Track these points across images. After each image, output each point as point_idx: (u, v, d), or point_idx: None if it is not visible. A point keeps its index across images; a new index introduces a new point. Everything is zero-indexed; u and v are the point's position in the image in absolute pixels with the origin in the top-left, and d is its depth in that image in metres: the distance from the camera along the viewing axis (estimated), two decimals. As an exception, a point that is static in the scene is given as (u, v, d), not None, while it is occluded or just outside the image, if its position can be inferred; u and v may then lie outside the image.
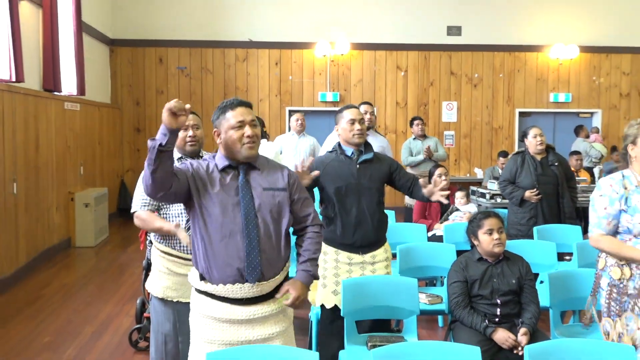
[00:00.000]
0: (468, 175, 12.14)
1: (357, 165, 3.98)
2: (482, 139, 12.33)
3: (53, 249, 8.17)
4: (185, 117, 2.58)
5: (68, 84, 8.92)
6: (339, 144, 4.10)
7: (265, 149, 5.93)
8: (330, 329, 4.02)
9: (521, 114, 12.39)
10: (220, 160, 2.86)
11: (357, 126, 3.96)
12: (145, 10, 11.69)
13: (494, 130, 12.30)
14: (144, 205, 3.61)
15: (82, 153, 9.52)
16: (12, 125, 6.88)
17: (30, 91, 7.46)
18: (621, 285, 3.08)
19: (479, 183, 10.12)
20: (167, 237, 3.68)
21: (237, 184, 2.82)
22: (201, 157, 3.72)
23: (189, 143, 3.74)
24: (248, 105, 2.89)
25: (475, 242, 3.77)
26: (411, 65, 12.14)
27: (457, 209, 6.43)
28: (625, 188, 3.08)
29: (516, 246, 5.04)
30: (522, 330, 3.43)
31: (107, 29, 11.34)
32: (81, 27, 9.16)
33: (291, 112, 11.96)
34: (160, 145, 2.54)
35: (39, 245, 7.73)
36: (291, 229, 3.01)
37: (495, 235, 3.67)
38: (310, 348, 4.39)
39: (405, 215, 7.86)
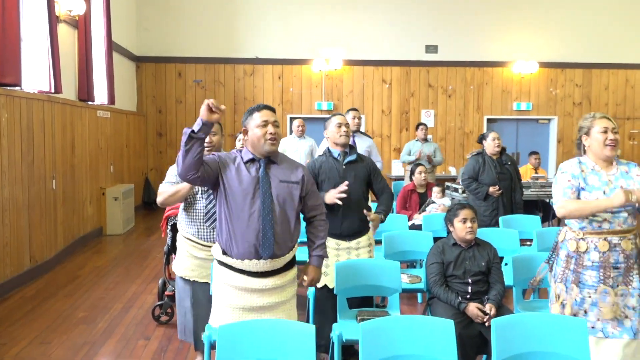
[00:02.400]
0: (444, 172, 12.10)
1: (344, 166, 3.98)
2: (455, 142, 12.31)
3: (87, 236, 8.13)
4: (219, 115, 2.64)
5: (100, 95, 8.86)
6: (328, 148, 4.11)
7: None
8: (323, 305, 4.01)
9: (489, 120, 12.37)
10: (246, 154, 2.92)
11: (343, 129, 3.98)
12: (166, 31, 11.63)
13: (466, 134, 12.28)
14: (168, 183, 3.61)
15: (112, 154, 9.47)
16: (52, 131, 6.83)
17: (68, 101, 7.41)
18: (578, 257, 3.04)
19: (453, 179, 10.10)
20: (191, 224, 3.67)
21: (258, 175, 2.86)
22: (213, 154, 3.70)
23: (206, 148, 3.71)
24: (272, 109, 2.97)
25: (451, 229, 3.76)
26: (395, 78, 12.10)
27: (434, 202, 6.42)
28: (582, 171, 3.07)
29: (485, 233, 5.04)
30: (488, 305, 3.42)
31: (133, 48, 11.28)
32: (111, 46, 9.10)
33: (292, 119, 11.94)
34: (192, 131, 2.63)
35: (75, 233, 7.68)
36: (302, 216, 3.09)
37: (469, 224, 3.66)
38: (307, 321, 4.37)
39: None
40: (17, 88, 5.88)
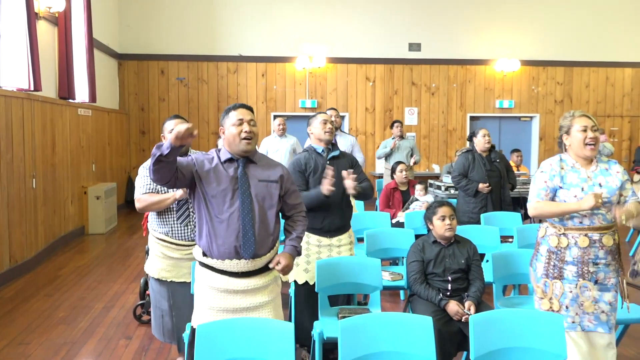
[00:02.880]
0: (427, 170, 12.17)
1: (327, 161, 3.98)
2: (438, 139, 12.37)
3: (69, 235, 8.06)
4: (190, 140, 2.57)
5: (81, 93, 8.76)
6: (311, 145, 4.11)
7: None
8: (304, 302, 4.01)
9: (472, 118, 12.45)
10: (224, 154, 2.88)
11: (328, 126, 4.01)
12: (148, 28, 11.54)
13: (449, 132, 12.34)
14: (146, 192, 3.56)
15: (94, 152, 9.38)
16: (32, 129, 6.75)
17: (48, 99, 7.32)
18: (559, 252, 3.07)
19: (436, 177, 10.16)
20: (162, 224, 3.64)
21: (236, 175, 2.83)
22: (189, 155, 3.67)
23: None
24: (249, 108, 2.93)
25: (431, 227, 3.77)
26: (378, 76, 12.12)
27: (417, 199, 6.45)
28: (562, 168, 3.10)
29: (466, 230, 5.07)
30: (468, 302, 3.44)
31: (116, 45, 11.18)
32: (92, 43, 9.00)
33: (275, 117, 11.92)
34: (160, 155, 2.56)
35: (56, 232, 7.61)
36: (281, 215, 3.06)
37: (447, 222, 3.67)
38: (290, 319, 4.37)
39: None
40: (-5, 86, 5.80)
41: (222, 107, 11.70)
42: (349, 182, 3.74)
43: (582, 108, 12.62)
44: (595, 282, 3.04)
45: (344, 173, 3.77)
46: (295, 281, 4.02)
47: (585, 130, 3.06)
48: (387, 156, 8.76)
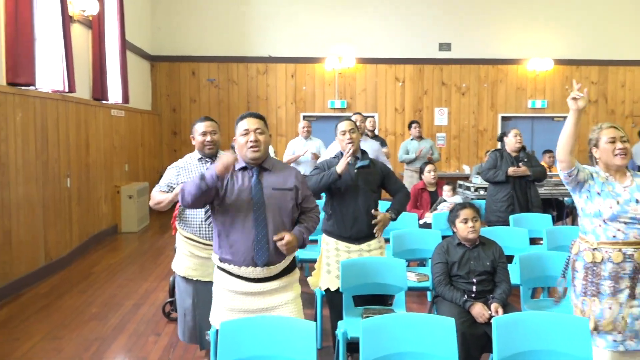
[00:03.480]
0: (457, 171, 12.06)
1: (355, 170, 3.97)
2: (469, 140, 12.25)
3: (102, 234, 8.24)
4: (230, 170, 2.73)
5: (114, 94, 8.96)
6: (340, 152, 4.10)
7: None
8: (337, 306, 4.00)
9: (503, 118, 12.28)
10: (239, 163, 2.93)
11: (347, 136, 3.96)
12: (180, 31, 11.72)
13: (480, 132, 12.21)
14: (161, 191, 3.67)
15: (127, 153, 9.58)
16: (66, 130, 6.93)
17: (82, 100, 7.51)
18: (595, 268, 2.98)
19: (466, 178, 10.06)
20: (190, 224, 3.71)
21: (250, 184, 2.86)
22: (218, 157, 3.73)
23: (207, 147, 3.77)
24: (257, 116, 2.96)
25: (454, 229, 3.75)
26: (408, 76, 12.07)
27: (445, 200, 6.40)
28: (598, 177, 3.04)
29: (495, 232, 5.04)
30: (494, 305, 3.40)
31: (148, 47, 11.38)
32: (125, 45, 9.20)
33: (305, 117, 11.99)
34: (206, 186, 2.71)
35: (90, 230, 7.79)
36: None
37: (470, 224, 3.65)
38: (315, 319, 4.39)
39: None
40: (32, 88, 5.97)
41: (252, 108, 11.79)
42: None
43: (617, 108, 12.35)
44: (634, 298, 2.94)
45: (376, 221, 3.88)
46: (327, 289, 4.01)
47: (613, 142, 2.99)
48: (411, 160, 8.74)
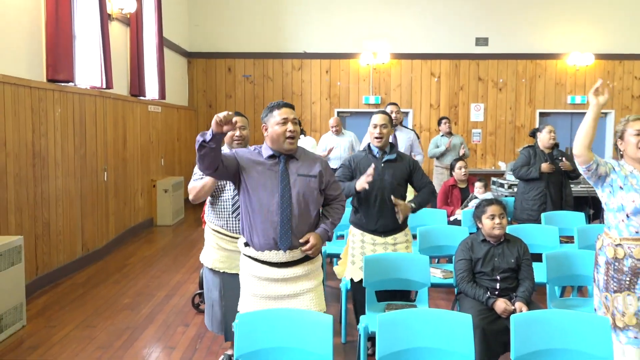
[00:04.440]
0: (493, 167, 11.90)
1: (382, 164, 3.98)
2: (505, 136, 12.06)
3: (138, 226, 8.45)
4: (229, 127, 2.69)
5: (151, 90, 9.16)
6: (369, 145, 4.11)
7: (302, 142, 5.98)
8: (362, 299, 4.03)
9: (541, 114, 12.04)
10: (266, 150, 3.00)
11: (377, 130, 3.97)
12: (216, 28, 11.88)
13: (517, 128, 12.00)
14: (195, 180, 3.73)
15: (163, 147, 9.78)
16: (104, 125, 7.13)
17: (119, 96, 7.70)
18: (617, 264, 2.95)
19: (501, 175, 9.92)
20: (218, 217, 3.79)
21: (278, 170, 2.92)
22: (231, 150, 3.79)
23: (236, 141, 3.83)
24: (291, 106, 3.03)
25: (480, 225, 3.72)
26: (443, 72, 11.95)
27: (476, 197, 6.33)
28: (622, 171, 3.00)
29: (525, 229, 4.98)
30: (518, 303, 3.37)
31: (185, 44, 11.59)
32: (162, 42, 9.38)
33: (339, 113, 12.00)
34: (203, 141, 2.69)
35: (126, 223, 8.00)
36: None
37: (497, 220, 3.62)
38: (340, 314, 4.43)
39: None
40: (71, 84, 6.17)
41: (286, 104, 11.87)
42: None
43: (662, 104, 11.95)
44: None
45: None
46: (351, 279, 4.06)
47: (639, 134, 2.94)
48: (442, 154, 8.68)
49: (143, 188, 8.73)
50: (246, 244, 3.02)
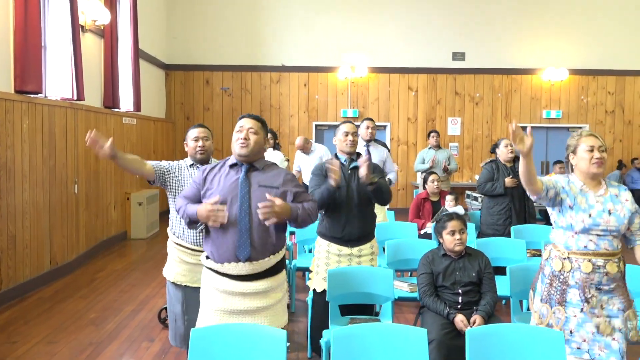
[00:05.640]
0: (470, 181, 11.98)
1: (349, 171, 3.99)
2: (482, 150, 12.16)
3: (111, 240, 8.34)
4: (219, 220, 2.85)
5: (126, 102, 9.10)
6: (336, 154, 4.14)
7: (271, 156, 5.94)
8: (322, 311, 4.02)
9: (517, 128, 12.16)
10: (231, 160, 3.04)
11: (350, 137, 4.02)
12: (194, 40, 11.88)
13: (493, 142, 12.08)
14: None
15: (138, 160, 9.67)
16: (75, 136, 7.05)
17: (92, 108, 7.63)
18: (561, 277, 2.97)
19: (474, 188, 9.97)
20: (178, 230, 3.76)
21: (238, 180, 2.93)
22: (209, 163, 3.77)
23: (199, 152, 3.81)
24: (256, 118, 3.05)
25: (440, 240, 3.72)
26: (421, 86, 12.04)
27: (447, 210, 6.35)
28: (571, 189, 3.00)
29: (493, 243, 5.00)
30: (474, 316, 3.37)
31: (163, 56, 11.56)
32: (138, 54, 9.34)
33: (317, 126, 12.03)
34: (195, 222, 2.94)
35: (98, 236, 7.90)
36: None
37: (457, 236, 3.62)
38: (308, 327, 4.39)
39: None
40: (40, 95, 6.10)
41: (264, 117, 11.88)
42: (362, 170, 3.71)
43: (635, 118, 12.15)
44: (602, 308, 2.92)
45: (360, 160, 3.76)
46: (314, 290, 4.05)
47: (591, 151, 2.96)
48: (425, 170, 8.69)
49: (116, 201, 8.64)
50: (207, 257, 3.00)
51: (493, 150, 6.00)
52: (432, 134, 8.89)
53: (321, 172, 4.04)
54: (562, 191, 2.99)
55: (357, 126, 6.56)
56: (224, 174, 2.99)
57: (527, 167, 2.90)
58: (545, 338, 2.61)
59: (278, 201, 2.79)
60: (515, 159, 5.84)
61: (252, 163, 2.98)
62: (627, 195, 3.02)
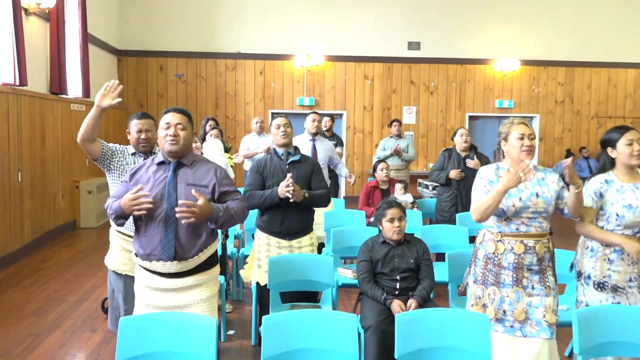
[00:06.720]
0: (424, 169, 12.13)
1: (287, 165, 4.01)
2: (437, 139, 12.32)
3: (59, 229, 8.16)
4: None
5: (74, 88, 8.87)
6: (274, 148, 4.16)
7: (207, 145, 5.83)
8: (265, 301, 4.03)
9: (470, 117, 12.38)
10: (159, 157, 2.96)
11: (281, 129, 4.07)
12: (148, 25, 11.64)
13: (447, 131, 12.27)
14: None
15: (88, 147, 9.46)
16: (17, 123, 6.85)
17: (37, 94, 7.42)
18: (495, 259, 3.06)
19: (426, 176, 10.11)
20: None
21: (165, 178, 2.87)
22: (154, 154, 3.71)
23: (142, 144, 3.75)
24: (182, 112, 2.97)
25: (380, 228, 3.77)
26: (377, 75, 12.10)
27: (396, 199, 6.43)
28: (499, 176, 3.08)
29: (437, 229, 5.11)
30: (410, 301, 3.44)
31: (115, 42, 11.29)
32: (87, 39, 9.10)
33: (273, 114, 11.97)
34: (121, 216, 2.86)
35: (45, 226, 7.71)
36: None
37: (396, 224, 3.67)
38: (255, 319, 4.40)
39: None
40: (-22, 80, 5.90)
41: (220, 104, 11.79)
42: (283, 187, 3.77)
43: (583, 109, 12.49)
44: (533, 288, 3.03)
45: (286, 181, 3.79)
46: (257, 283, 4.05)
47: (522, 138, 3.05)
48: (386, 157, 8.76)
49: (65, 189, 8.44)
50: (136, 254, 2.95)
51: (452, 139, 6.15)
52: (394, 123, 8.98)
53: (259, 170, 4.04)
54: (490, 183, 3.07)
55: (321, 115, 6.61)
56: (152, 172, 2.92)
57: (496, 202, 2.95)
58: (471, 321, 2.68)
59: (201, 201, 2.70)
60: (470, 148, 5.96)
61: (179, 160, 2.92)
62: (553, 177, 3.13)
